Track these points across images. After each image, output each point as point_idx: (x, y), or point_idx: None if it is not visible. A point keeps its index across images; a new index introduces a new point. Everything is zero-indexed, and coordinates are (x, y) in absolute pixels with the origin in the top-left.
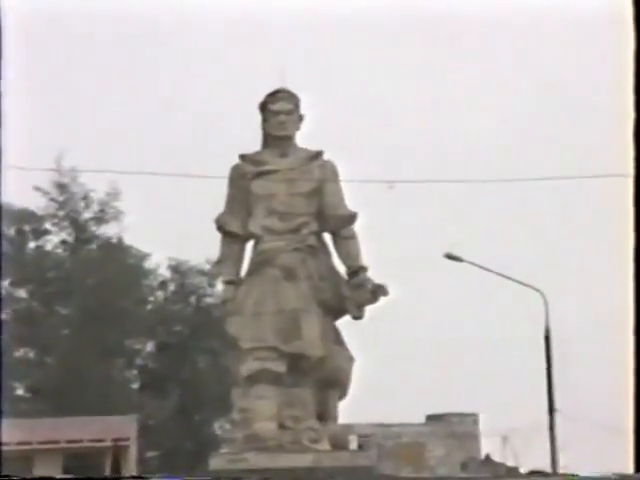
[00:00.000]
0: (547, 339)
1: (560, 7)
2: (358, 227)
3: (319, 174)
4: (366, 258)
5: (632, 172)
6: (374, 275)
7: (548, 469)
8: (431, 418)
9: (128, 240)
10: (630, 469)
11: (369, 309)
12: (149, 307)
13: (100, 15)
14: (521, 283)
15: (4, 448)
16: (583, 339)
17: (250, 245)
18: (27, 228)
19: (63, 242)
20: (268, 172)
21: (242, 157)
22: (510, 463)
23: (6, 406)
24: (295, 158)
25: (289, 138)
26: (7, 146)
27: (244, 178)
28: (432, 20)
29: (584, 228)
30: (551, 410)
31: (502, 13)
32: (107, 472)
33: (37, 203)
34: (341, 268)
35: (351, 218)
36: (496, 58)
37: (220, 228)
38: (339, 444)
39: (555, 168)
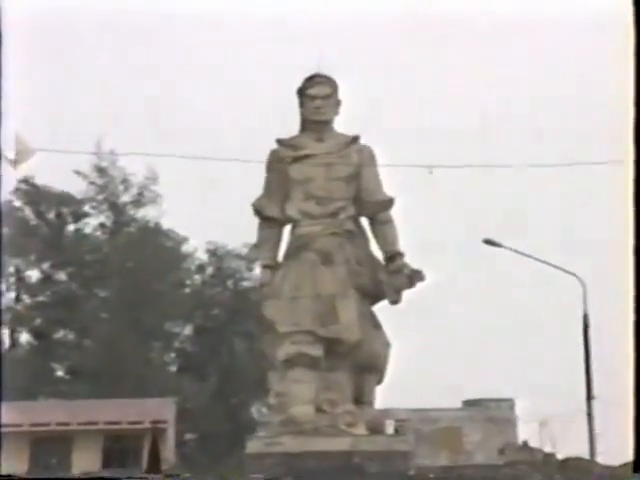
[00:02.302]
0: (585, 325)
1: (561, 7)
2: (396, 211)
3: (357, 159)
4: (404, 243)
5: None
6: (411, 260)
7: (586, 455)
8: (468, 403)
9: (166, 224)
10: None
11: (406, 294)
12: (187, 291)
13: (131, 3)
14: (559, 268)
15: (44, 428)
16: (621, 325)
17: (288, 229)
18: (66, 211)
19: (102, 225)
20: (306, 156)
21: (279, 141)
22: (547, 449)
23: (46, 387)
24: (333, 143)
25: (326, 123)
26: (49, 130)
27: (282, 162)
28: (459, 19)
29: (622, 212)
30: (589, 396)
31: (510, 14)
32: (145, 454)
33: (77, 186)
34: (378, 253)
35: (388, 203)
36: (511, 55)
37: (258, 212)
38: (376, 428)
39: (577, 154)
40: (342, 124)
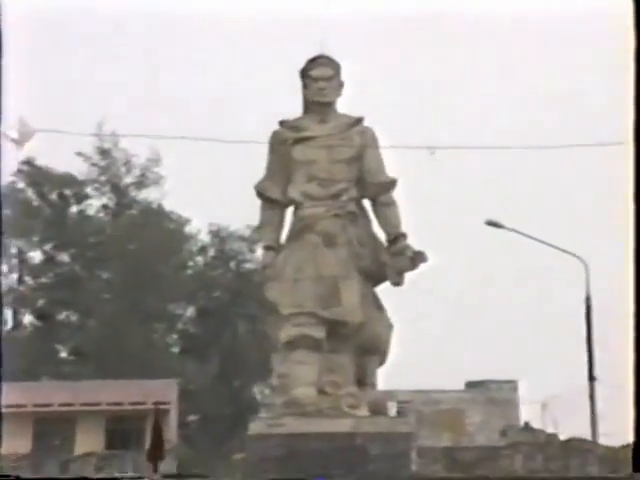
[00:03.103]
0: (588, 306)
1: (561, 6)
2: (399, 193)
3: (359, 141)
4: (406, 224)
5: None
6: (414, 242)
7: (588, 437)
8: (470, 385)
9: (169, 205)
10: None
11: (409, 275)
12: (189, 272)
13: None
14: (562, 250)
15: (47, 409)
16: (623, 306)
17: (290, 211)
18: (69, 193)
19: (104, 207)
20: (308, 138)
21: (282, 123)
22: (549, 430)
23: (49, 368)
24: (335, 124)
25: (329, 104)
26: (50, 111)
27: (284, 144)
28: (463, 14)
29: (625, 195)
30: (591, 377)
31: (510, 12)
32: (148, 435)
33: (79, 168)
34: (381, 234)
35: (391, 185)
36: (512, 48)
37: (260, 194)
38: (378, 410)
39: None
40: (344, 106)
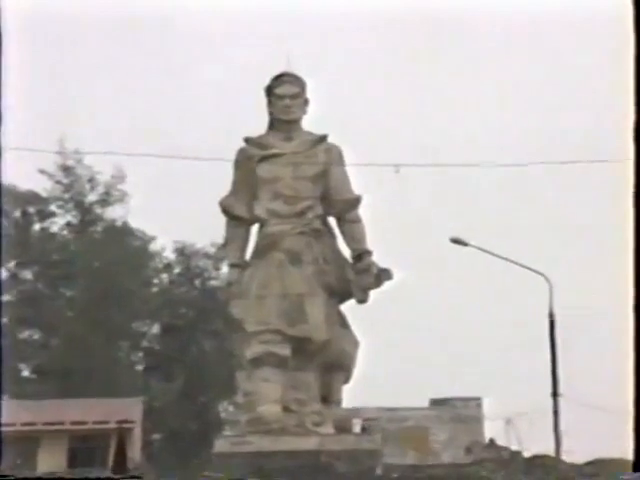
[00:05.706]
0: (551, 323)
1: (561, 6)
2: (364, 210)
3: (324, 158)
4: (371, 242)
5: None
6: (378, 259)
7: (552, 453)
8: (435, 402)
9: (133, 223)
10: (630, 453)
11: (374, 293)
12: (154, 290)
13: (105, 4)
14: (526, 267)
15: (9, 429)
16: (587, 324)
17: (255, 228)
18: (32, 210)
19: (68, 224)
20: (273, 156)
21: (247, 140)
22: (514, 447)
23: (12, 387)
24: (300, 142)
25: (294, 122)
26: (13, 129)
27: (250, 161)
28: (439, 17)
29: (589, 213)
30: (555, 394)
31: (506, 12)
32: (112, 454)
33: (42, 185)
34: (346, 251)
35: (356, 202)
36: (502, 54)
37: (225, 211)
38: (343, 427)
39: (558, 154)
40: (310, 123)
